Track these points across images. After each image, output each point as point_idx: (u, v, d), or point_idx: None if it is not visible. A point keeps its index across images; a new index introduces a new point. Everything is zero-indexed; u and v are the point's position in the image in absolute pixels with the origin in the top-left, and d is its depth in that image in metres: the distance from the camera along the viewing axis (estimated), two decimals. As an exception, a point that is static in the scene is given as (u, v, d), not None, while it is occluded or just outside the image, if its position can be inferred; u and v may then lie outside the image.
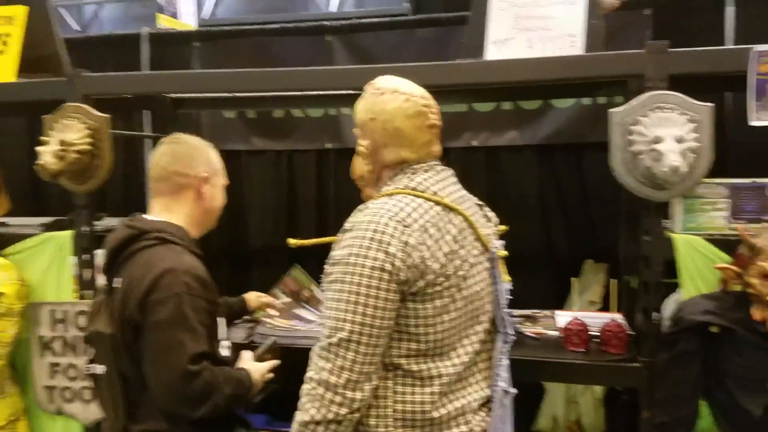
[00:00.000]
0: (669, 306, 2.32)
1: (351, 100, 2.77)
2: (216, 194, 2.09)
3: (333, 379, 1.49)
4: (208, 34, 3.83)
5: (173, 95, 3.11)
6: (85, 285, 2.64)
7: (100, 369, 1.88)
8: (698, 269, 2.21)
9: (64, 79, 2.61)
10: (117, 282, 1.87)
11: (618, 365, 2.33)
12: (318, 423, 1.50)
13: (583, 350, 2.42)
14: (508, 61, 2.28)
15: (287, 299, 3.05)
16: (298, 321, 2.81)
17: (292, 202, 3.83)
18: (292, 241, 2.02)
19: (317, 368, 1.53)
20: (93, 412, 2.62)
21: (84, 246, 2.62)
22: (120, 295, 1.84)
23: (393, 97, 1.67)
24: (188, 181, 2.00)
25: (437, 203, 1.62)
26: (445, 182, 1.70)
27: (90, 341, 1.94)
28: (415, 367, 1.57)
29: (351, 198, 3.71)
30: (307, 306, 3.03)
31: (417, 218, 1.55)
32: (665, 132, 2.12)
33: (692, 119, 2.15)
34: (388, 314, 1.51)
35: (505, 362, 1.78)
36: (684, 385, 2.11)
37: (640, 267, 2.30)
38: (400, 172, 1.69)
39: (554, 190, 3.54)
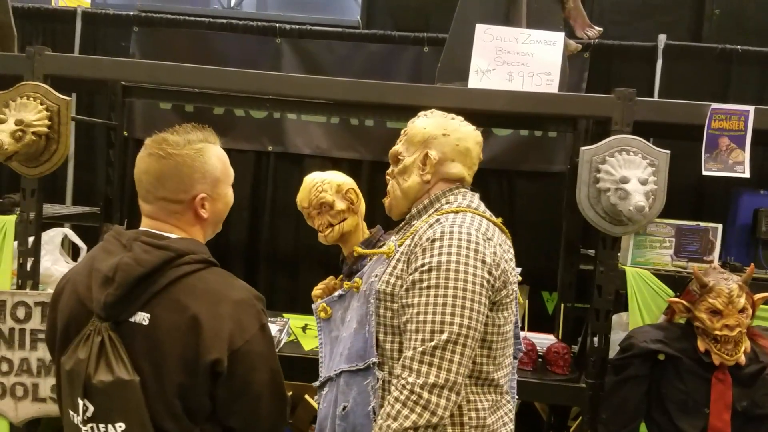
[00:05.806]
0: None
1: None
2: (219, 207, 1.66)
3: (440, 381, 1.50)
4: (150, 19, 3.69)
5: (124, 83, 2.97)
6: (25, 275, 2.47)
7: (119, 428, 1.47)
8: (644, 300, 2.43)
9: (23, 54, 2.44)
10: (141, 318, 1.49)
11: (565, 385, 2.50)
12: (417, 429, 1.49)
13: (531, 369, 2.58)
14: (497, 92, 2.40)
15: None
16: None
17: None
18: (358, 249, 1.94)
19: (417, 373, 1.51)
20: (25, 410, 2.43)
21: (30, 233, 2.45)
22: (160, 335, 1.48)
23: (464, 123, 1.84)
24: (182, 207, 1.58)
25: (494, 223, 1.72)
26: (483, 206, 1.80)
27: (96, 394, 1.47)
28: (483, 375, 1.65)
29: (287, 203, 3.72)
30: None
31: (493, 234, 1.66)
32: (631, 173, 2.31)
33: (651, 163, 2.36)
34: (482, 320, 1.57)
35: (515, 375, 1.89)
36: (629, 406, 2.29)
37: (593, 295, 2.47)
38: (454, 191, 1.78)
39: (484, 212, 3.70)
